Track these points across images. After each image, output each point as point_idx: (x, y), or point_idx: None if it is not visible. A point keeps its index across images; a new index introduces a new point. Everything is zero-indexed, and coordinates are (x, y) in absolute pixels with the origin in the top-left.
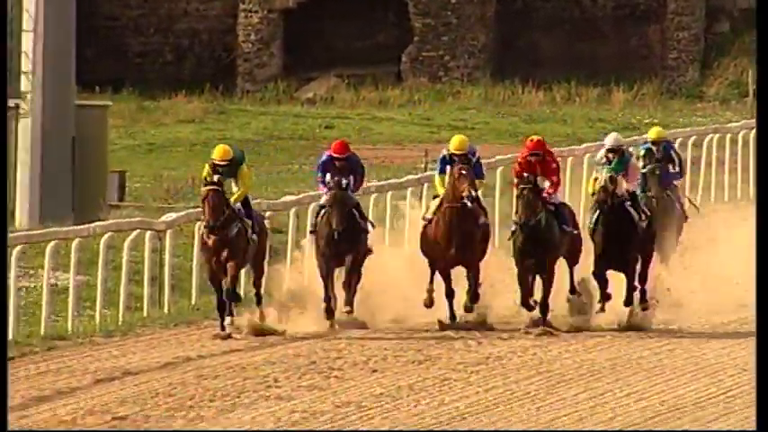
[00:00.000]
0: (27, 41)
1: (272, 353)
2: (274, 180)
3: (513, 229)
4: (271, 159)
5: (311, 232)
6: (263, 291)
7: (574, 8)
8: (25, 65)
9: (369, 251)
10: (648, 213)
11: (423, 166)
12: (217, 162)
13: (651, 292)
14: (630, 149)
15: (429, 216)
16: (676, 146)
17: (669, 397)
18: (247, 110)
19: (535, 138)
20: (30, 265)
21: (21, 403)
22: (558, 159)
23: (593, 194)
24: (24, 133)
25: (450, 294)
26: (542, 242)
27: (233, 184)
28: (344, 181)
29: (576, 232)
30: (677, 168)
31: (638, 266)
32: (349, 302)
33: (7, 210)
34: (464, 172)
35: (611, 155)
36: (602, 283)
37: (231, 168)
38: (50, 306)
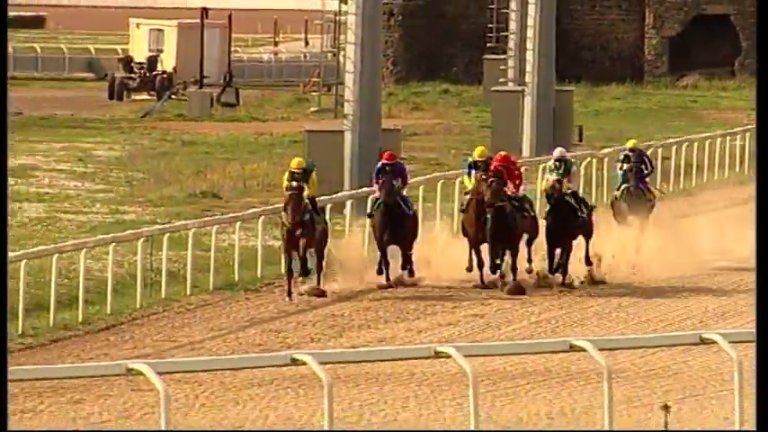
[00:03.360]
0: (528, 51)
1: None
2: (663, 130)
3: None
4: (660, 120)
5: (369, 216)
6: (314, 265)
7: None
8: (529, 65)
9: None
10: (590, 206)
11: (745, 122)
12: (294, 170)
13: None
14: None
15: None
16: None
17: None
18: (649, 92)
19: (502, 153)
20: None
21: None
22: None
23: (545, 191)
24: (526, 107)
25: (480, 264)
26: (508, 226)
27: (305, 186)
28: (394, 182)
29: (533, 214)
30: (649, 167)
31: (582, 243)
32: (405, 267)
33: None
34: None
35: (557, 163)
36: (552, 256)
37: (304, 175)
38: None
